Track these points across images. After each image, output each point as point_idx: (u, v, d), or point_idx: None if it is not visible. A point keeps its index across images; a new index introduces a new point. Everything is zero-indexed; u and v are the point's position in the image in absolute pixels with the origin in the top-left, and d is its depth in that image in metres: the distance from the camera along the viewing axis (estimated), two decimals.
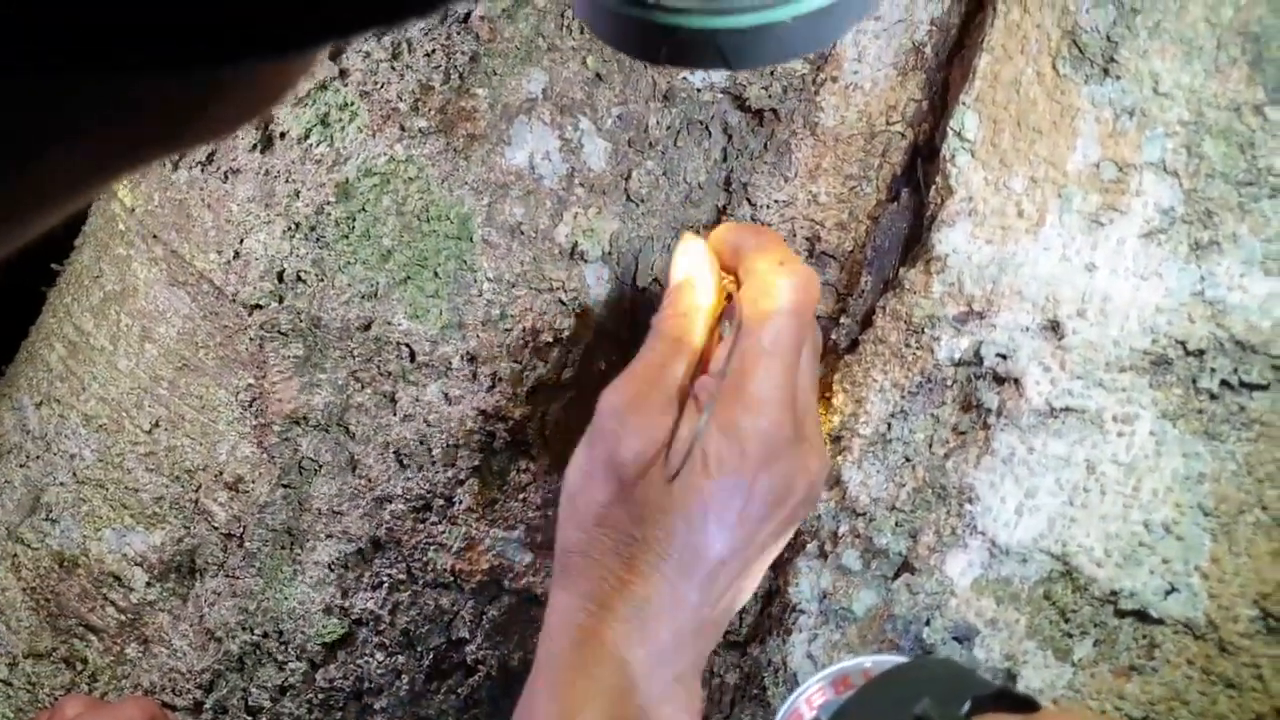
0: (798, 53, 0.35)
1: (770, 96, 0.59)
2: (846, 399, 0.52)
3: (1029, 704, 0.32)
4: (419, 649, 0.57)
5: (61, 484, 0.52)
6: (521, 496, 0.58)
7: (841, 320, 0.55)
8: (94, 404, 0.51)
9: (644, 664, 0.36)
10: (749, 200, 0.60)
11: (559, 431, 0.58)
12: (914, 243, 0.51)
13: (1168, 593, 0.41)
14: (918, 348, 0.48)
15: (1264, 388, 0.40)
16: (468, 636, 0.57)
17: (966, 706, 0.31)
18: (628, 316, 0.60)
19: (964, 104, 0.47)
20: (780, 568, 0.54)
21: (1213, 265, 0.41)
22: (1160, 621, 0.41)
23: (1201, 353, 0.41)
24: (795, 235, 0.58)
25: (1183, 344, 0.41)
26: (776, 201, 0.59)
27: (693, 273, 0.42)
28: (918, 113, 0.54)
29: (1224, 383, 0.40)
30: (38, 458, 0.52)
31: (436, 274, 0.55)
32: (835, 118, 0.56)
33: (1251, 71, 0.41)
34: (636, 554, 0.37)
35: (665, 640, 0.36)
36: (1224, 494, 0.40)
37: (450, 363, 0.56)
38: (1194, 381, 0.41)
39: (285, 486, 0.54)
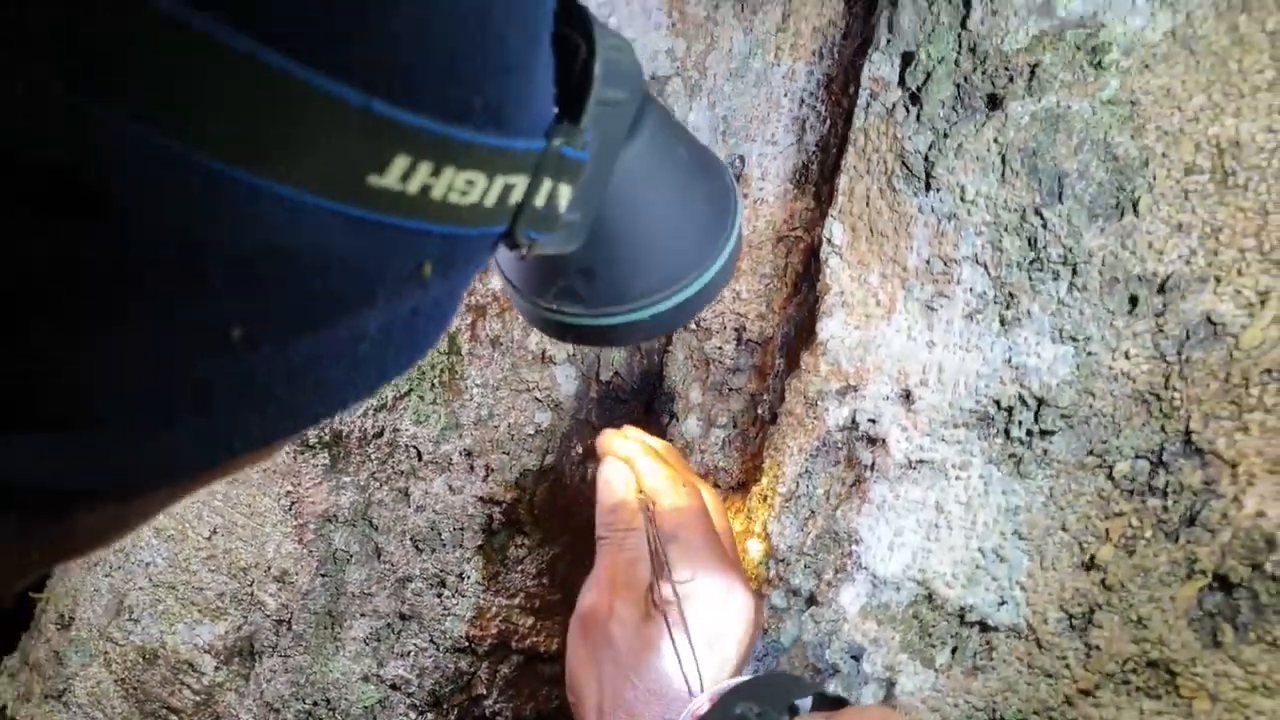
0: (665, 333, 0.49)
1: None
2: (772, 463, 0.65)
3: (839, 702, 0.44)
4: (444, 706, 0.72)
5: (140, 588, 0.70)
6: (520, 568, 0.72)
7: (765, 397, 0.69)
8: (162, 518, 0.69)
9: None
10: None
11: (545, 509, 0.73)
12: (809, 330, 0.64)
13: (1000, 605, 0.52)
14: (814, 418, 0.61)
15: (1057, 433, 0.51)
16: (485, 693, 0.71)
17: (787, 708, 0.43)
18: (595, 406, 0.75)
19: (832, 215, 0.61)
20: None
21: (1015, 337, 0.53)
22: (996, 629, 0.52)
23: (1011, 409, 0.53)
24: (726, 327, 0.72)
25: (998, 402, 0.53)
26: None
27: (623, 496, 0.55)
28: (811, 219, 0.67)
29: (1029, 431, 0.52)
30: (119, 567, 0.70)
31: (434, 385, 0.71)
32: (749, 227, 0.70)
33: (1029, 180, 0.53)
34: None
35: None
36: (1035, 521, 0.52)
37: (451, 459, 0.71)
38: (1008, 432, 0.53)
39: (323, 575, 0.70)
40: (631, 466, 0.56)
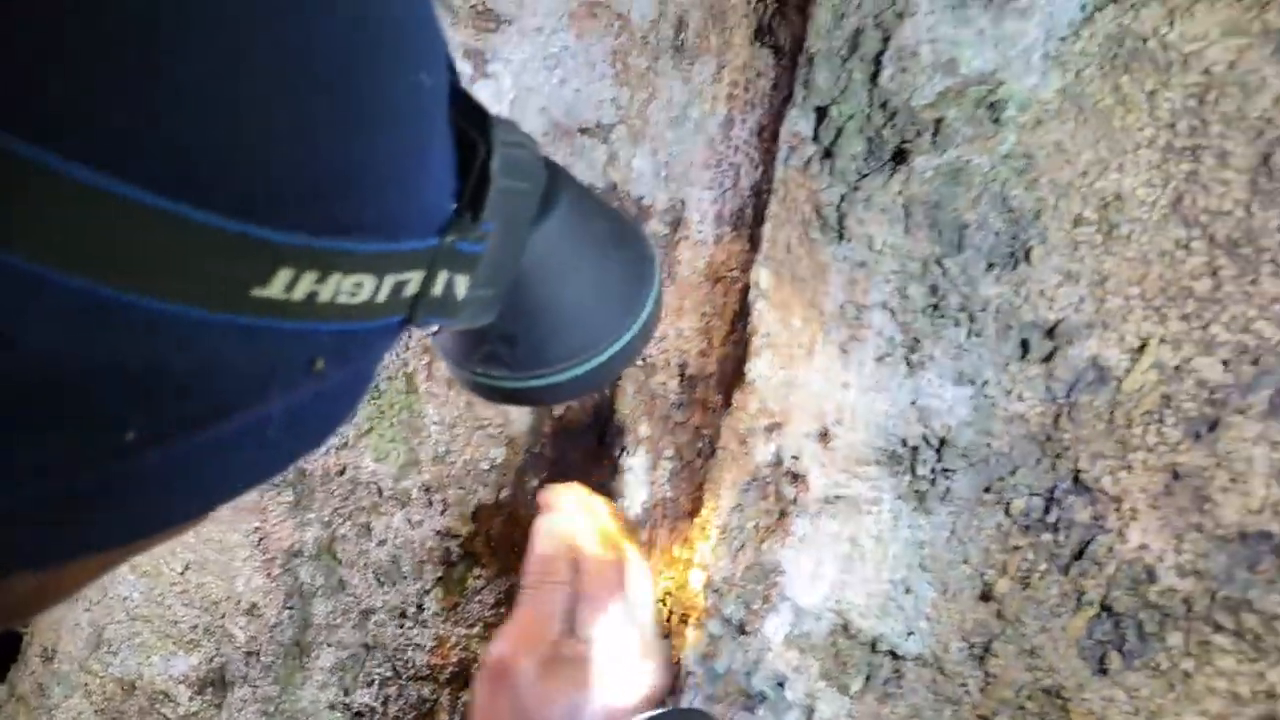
0: (589, 392, 0.52)
1: None
2: (710, 495, 0.69)
3: None
4: None
5: (118, 621, 0.74)
6: (478, 598, 0.76)
7: (706, 431, 0.72)
8: (138, 556, 0.73)
9: None
10: None
11: (502, 541, 0.77)
12: (740, 369, 0.67)
13: (908, 635, 0.55)
14: (745, 453, 0.65)
15: (958, 471, 0.55)
16: (447, 718, 0.75)
17: None
18: (549, 441, 0.78)
19: (759, 260, 0.64)
20: (677, 638, 0.70)
21: (920, 380, 0.56)
22: (904, 658, 0.55)
23: (916, 448, 0.56)
24: (670, 363, 0.75)
25: (904, 441, 0.57)
26: (654, 337, 0.77)
27: (553, 551, 0.58)
28: (745, 261, 0.71)
29: (933, 470, 0.55)
30: (98, 602, 0.74)
31: (393, 423, 0.75)
32: (689, 268, 0.74)
33: (931, 231, 0.57)
34: None
35: None
36: (939, 555, 0.55)
37: (410, 494, 0.75)
38: (914, 470, 0.56)
39: (290, 608, 0.74)
40: (568, 524, 0.59)
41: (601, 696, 0.51)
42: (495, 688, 0.53)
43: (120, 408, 0.20)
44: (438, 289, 0.28)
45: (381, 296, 0.25)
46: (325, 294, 0.23)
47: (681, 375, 0.75)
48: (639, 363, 0.77)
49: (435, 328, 0.32)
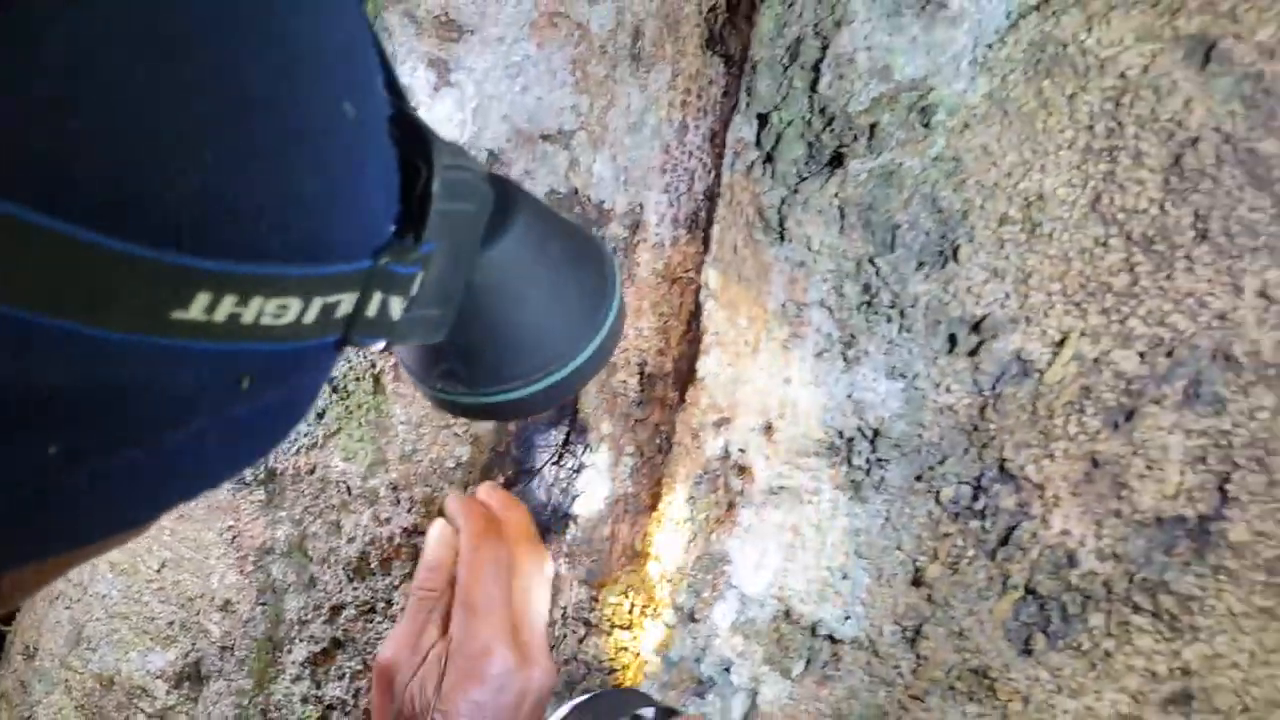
0: (547, 409, 0.52)
1: None
2: (666, 489, 0.71)
3: (673, 713, 0.50)
4: None
5: (97, 619, 0.77)
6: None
7: (663, 428, 0.74)
8: (116, 553, 0.76)
9: None
10: None
11: None
12: (693, 366, 0.70)
13: (845, 619, 0.58)
14: (697, 448, 0.67)
15: (891, 462, 0.57)
16: None
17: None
18: (513, 439, 0.81)
19: (708, 262, 0.67)
20: (633, 628, 0.73)
21: (855, 375, 0.59)
22: (842, 642, 0.58)
23: (852, 440, 0.58)
24: (630, 362, 0.78)
25: (841, 433, 0.59)
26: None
27: (438, 558, 0.59)
28: (699, 262, 0.73)
29: (867, 460, 0.58)
30: (78, 600, 0.77)
31: (361, 423, 0.77)
32: (648, 269, 0.76)
33: (865, 231, 0.59)
34: None
35: None
36: (874, 542, 0.57)
37: (378, 492, 0.78)
38: (850, 461, 0.58)
39: (263, 604, 0.77)
40: (458, 530, 0.59)
41: (471, 695, 0.52)
42: (381, 689, 0.54)
43: (41, 426, 0.21)
44: (372, 310, 0.28)
45: (309, 318, 0.25)
46: (248, 316, 0.23)
47: (641, 374, 0.77)
48: None
49: (380, 345, 0.33)
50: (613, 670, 0.75)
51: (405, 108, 0.31)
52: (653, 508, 0.76)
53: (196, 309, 0.22)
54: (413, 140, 0.30)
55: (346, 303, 0.26)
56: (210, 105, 0.21)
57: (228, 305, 0.22)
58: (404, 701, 0.52)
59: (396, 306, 0.29)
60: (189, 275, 0.21)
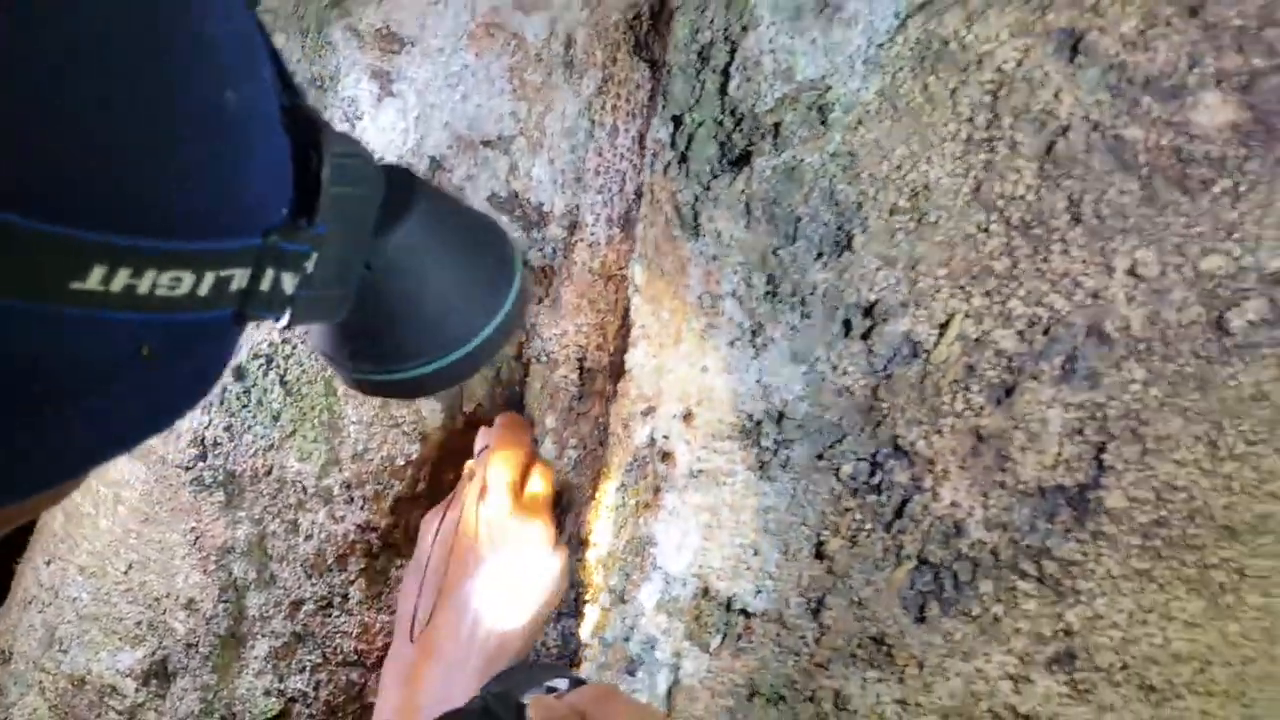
0: (454, 384, 0.57)
1: (545, 257, 0.83)
2: (603, 478, 0.74)
3: (580, 683, 0.53)
4: (340, 715, 0.82)
5: (69, 621, 0.81)
6: (400, 588, 0.82)
7: (603, 421, 0.78)
8: (85, 557, 0.80)
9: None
10: (539, 336, 0.84)
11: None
12: (623, 359, 0.73)
13: (757, 593, 0.61)
14: (628, 437, 0.71)
15: (796, 441, 0.60)
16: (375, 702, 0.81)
17: (531, 690, 0.52)
18: (460, 436, 0.84)
19: (634, 258, 0.70)
20: (573, 618, 0.76)
21: (764, 361, 0.62)
22: (754, 615, 0.61)
23: (760, 423, 0.62)
24: (570, 358, 0.81)
25: (751, 417, 0.62)
26: (555, 334, 0.83)
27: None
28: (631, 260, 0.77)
29: (775, 441, 0.61)
30: (50, 604, 0.81)
31: (315, 424, 0.81)
32: (586, 268, 0.80)
33: (769, 225, 0.62)
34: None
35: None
36: (781, 519, 0.61)
37: (333, 491, 0.81)
38: (759, 443, 0.62)
39: (225, 602, 0.81)
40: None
41: (506, 578, 0.63)
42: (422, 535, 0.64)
43: None
44: (265, 285, 0.30)
45: (204, 290, 0.27)
46: (143, 287, 0.25)
47: (580, 369, 0.81)
48: (542, 359, 0.83)
49: (284, 323, 0.37)
50: (561, 656, 0.78)
51: (299, 101, 0.35)
52: (593, 497, 0.80)
53: (94, 279, 0.24)
54: (306, 130, 0.33)
55: (240, 277, 0.29)
56: (90, 89, 0.23)
57: (123, 277, 0.24)
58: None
59: (289, 282, 0.32)
60: (80, 248, 0.23)
